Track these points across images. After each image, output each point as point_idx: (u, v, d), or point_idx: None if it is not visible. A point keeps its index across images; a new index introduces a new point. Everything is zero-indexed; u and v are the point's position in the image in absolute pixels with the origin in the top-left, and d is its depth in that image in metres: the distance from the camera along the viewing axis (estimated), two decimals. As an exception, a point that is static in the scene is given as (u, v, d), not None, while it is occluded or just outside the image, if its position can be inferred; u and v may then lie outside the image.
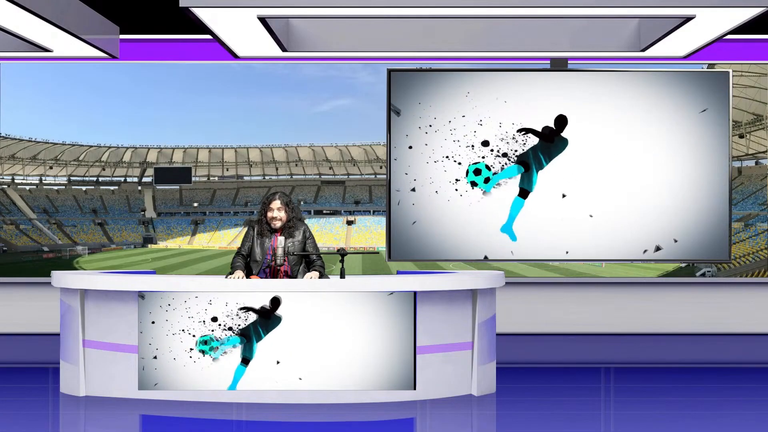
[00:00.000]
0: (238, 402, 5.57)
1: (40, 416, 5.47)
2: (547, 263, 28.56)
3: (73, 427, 5.32)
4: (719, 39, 5.84)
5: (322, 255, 5.95)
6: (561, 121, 6.32)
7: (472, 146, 6.49)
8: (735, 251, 26.44)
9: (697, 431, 5.15)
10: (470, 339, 5.87)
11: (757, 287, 7.51)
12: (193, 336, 5.61)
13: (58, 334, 6.05)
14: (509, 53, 6.39)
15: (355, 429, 5.22)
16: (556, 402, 5.92)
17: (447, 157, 6.50)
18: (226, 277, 5.74)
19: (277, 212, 5.89)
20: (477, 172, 6.24)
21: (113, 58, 6.51)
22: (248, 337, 5.59)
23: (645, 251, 6.53)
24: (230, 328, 5.61)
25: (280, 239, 5.83)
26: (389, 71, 6.49)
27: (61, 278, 5.91)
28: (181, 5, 4.98)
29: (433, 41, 6.27)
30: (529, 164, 6.46)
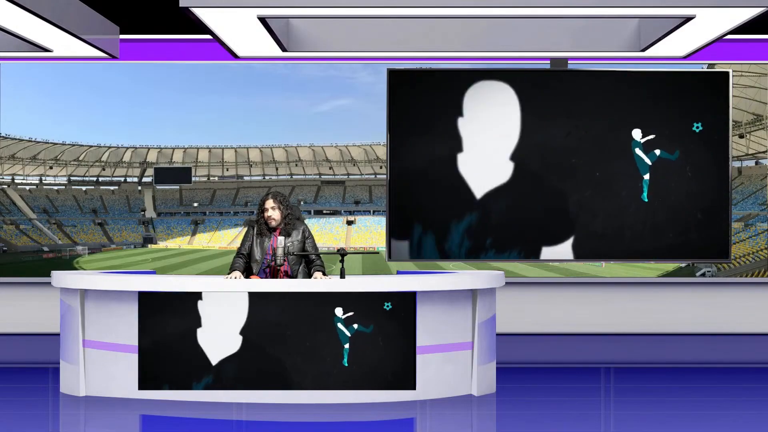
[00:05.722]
0: (238, 402, 5.57)
1: (40, 416, 5.47)
2: (547, 263, 28.55)
3: (73, 427, 5.32)
4: (719, 39, 5.84)
5: (321, 255, 5.96)
6: None
7: (472, 146, 6.48)
8: (735, 251, 26.40)
9: (697, 431, 5.15)
10: (470, 339, 5.87)
11: (757, 287, 7.51)
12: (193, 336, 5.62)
13: (58, 334, 6.05)
14: (509, 53, 6.38)
15: (355, 429, 5.22)
16: (556, 402, 5.92)
17: (447, 157, 6.49)
18: (226, 278, 5.75)
19: (271, 211, 5.90)
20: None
21: (113, 58, 6.51)
22: None
23: (645, 251, 6.53)
24: None
25: (280, 239, 5.84)
26: (389, 71, 6.48)
27: (61, 278, 5.91)
28: (181, 5, 4.98)
29: (433, 41, 6.27)
30: None
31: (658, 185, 6.46)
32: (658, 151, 6.43)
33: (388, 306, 5.65)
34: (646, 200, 6.46)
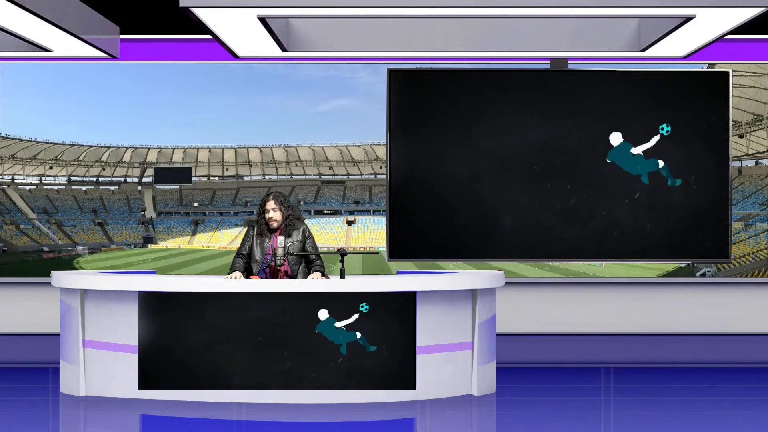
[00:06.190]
0: (238, 402, 5.56)
1: (40, 416, 5.47)
2: (547, 263, 28.54)
3: (73, 427, 5.32)
4: (719, 39, 5.84)
5: (321, 255, 5.95)
6: None
7: (473, 146, 6.48)
8: (735, 251, 26.37)
9: (697, 431, 5.15)
10: (470, 339, 5.87)
11: (757, 287, 7.51)
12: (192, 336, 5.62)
13: (58, 334, 6.05)
14: (509, 53, 6.38)
15: (355, 429, 5.22)
16: (556, 402, 5.92)
17: (447, 157, 6.49)
18: (226, 278, 5.74)
19: (272, 212, 5.90)
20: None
21: (113, 58, 6.51)
22: None
23: (646, 251, 6.52)
24: None
25: (280, 239, 5.84)
26: (389, 71, 6.48)
27: (61, 278, 5.91)
28: (181, 5, 4.98)
29: (433, 41, 6.27)
30: None
31: (657, 185, 6.46)
32: (661, 162, 6.41)
33: (364, 307, 5.62)
34: (646, 200, 6.45)
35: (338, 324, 5.60)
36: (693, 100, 6.44)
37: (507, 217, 6.48)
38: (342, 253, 5.78)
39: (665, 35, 5.73)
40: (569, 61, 6.68)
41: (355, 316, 5.61)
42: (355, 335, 5.60)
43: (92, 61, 6.79)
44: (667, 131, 6.37)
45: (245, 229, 6.04)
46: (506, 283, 6.13)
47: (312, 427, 5.16)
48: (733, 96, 6.50)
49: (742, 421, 5.37)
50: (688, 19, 5.29)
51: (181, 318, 5.64)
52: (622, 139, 6.40)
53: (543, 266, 30.02)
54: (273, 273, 5.88)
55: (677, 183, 6.44)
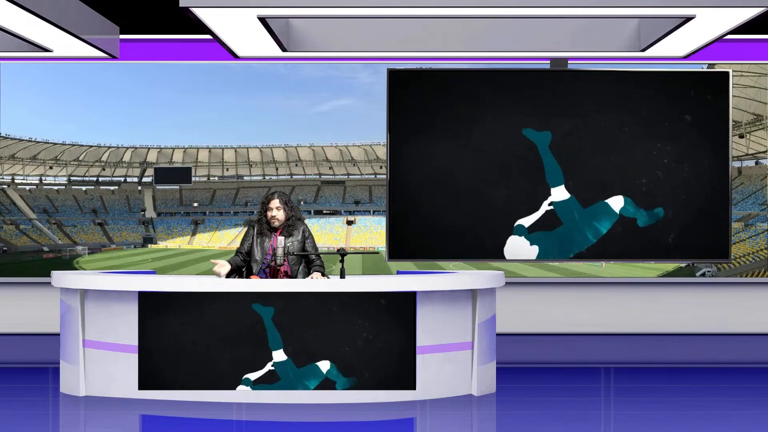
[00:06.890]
0: (238, 402, 5.57)
1: (40, 416, 5.47)
2: (546, 263, 28.56)
3: (73, 427, 5.32)
4: (719, 39, 5.84)
5: (321, 255, 5.96)
6: None
7: (472, 146, 6.48)
8: (735, 251, 26.43)
9: (697, 431, 5.15)
10: (470, 339, 5.87)
11: (757, 287, 7.51)
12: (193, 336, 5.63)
13: (58, 334, 6.05)
14: (509, 53, 6.38)
15: (355, 429, 5.22)
16: (556, 402, 5.92)
17: (447, 157, 6.49)
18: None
19: (276, 211, 5.90)
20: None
21: (113, 58, 6.51)
22: None
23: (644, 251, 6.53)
24: None
25: (280, 239, 5.84)
26: (389, 71, 6.48)
27: (61, 278, 5.91)
28: (181, 5, 4.98)
29: (433, 41, 6.27)
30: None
31: (657, 185, 6.46)
32: (659, 152, 6.43)
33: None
34: (646, 200, 6.46)
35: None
36: (693, 100, 6.44)
37: (507, 217, 6.48)
38: (342, 253, 5.78)
39: (665, 35, 5.73)
40: (569, 61, 6.68)
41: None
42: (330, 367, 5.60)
43: (92, 61, 6.79)
44: (699, 128, 6.37)
45: (245, 228, 6.04)
46: (506, 283, 6.13)
47: (312, 427, 5.16)
48: (733, 96, 6.50)
49: (742, 421, 5.37)
50: (688, 19, 5.29)
51: (181, 318, 5.64)
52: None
53: (543, 266, 30.04)
54: (273, 273, 5.88)
55: (676, 184, 6.44)
